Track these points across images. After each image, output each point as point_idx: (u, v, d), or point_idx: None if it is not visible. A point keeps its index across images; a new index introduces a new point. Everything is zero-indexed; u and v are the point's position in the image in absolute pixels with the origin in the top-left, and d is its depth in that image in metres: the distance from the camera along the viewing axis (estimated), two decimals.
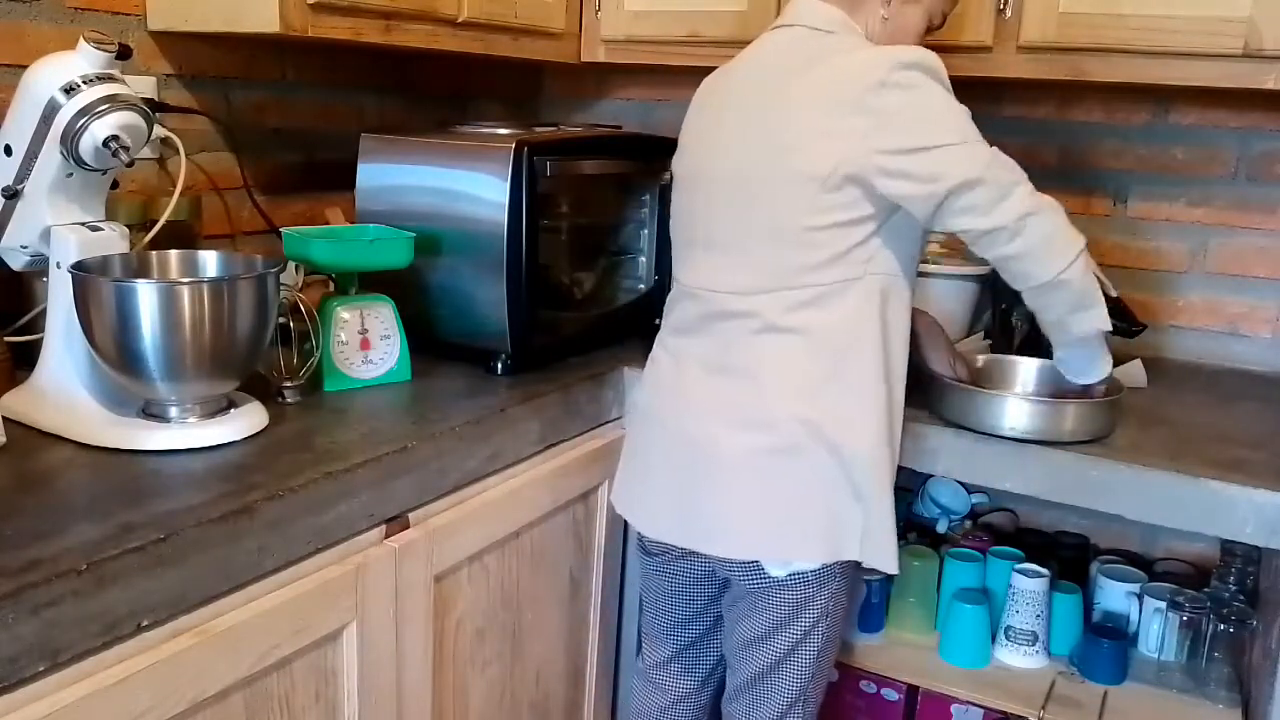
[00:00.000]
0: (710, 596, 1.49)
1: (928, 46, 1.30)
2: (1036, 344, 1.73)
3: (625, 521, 1.75)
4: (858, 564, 1.34)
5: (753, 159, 1.30)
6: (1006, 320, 1.86)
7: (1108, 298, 1.84)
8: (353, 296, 1.50)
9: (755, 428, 1.30)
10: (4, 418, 1.21)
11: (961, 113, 1.26)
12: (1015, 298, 1.84)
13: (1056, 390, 1.49)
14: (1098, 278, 1.35)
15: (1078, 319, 1.34)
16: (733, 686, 1.46)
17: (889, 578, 1.78)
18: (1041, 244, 1.27)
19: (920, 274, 1.88)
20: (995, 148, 1.25)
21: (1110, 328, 1.36)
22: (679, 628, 1.53)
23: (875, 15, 1.36)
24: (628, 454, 1.49)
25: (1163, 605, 1.71)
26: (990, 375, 1.58)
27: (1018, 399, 1.43)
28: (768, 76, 1.33)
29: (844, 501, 1.30)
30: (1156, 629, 1.72)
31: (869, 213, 1.26)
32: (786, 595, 1.34)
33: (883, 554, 1.32)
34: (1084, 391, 1.44)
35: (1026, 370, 1.59)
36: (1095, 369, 1.43)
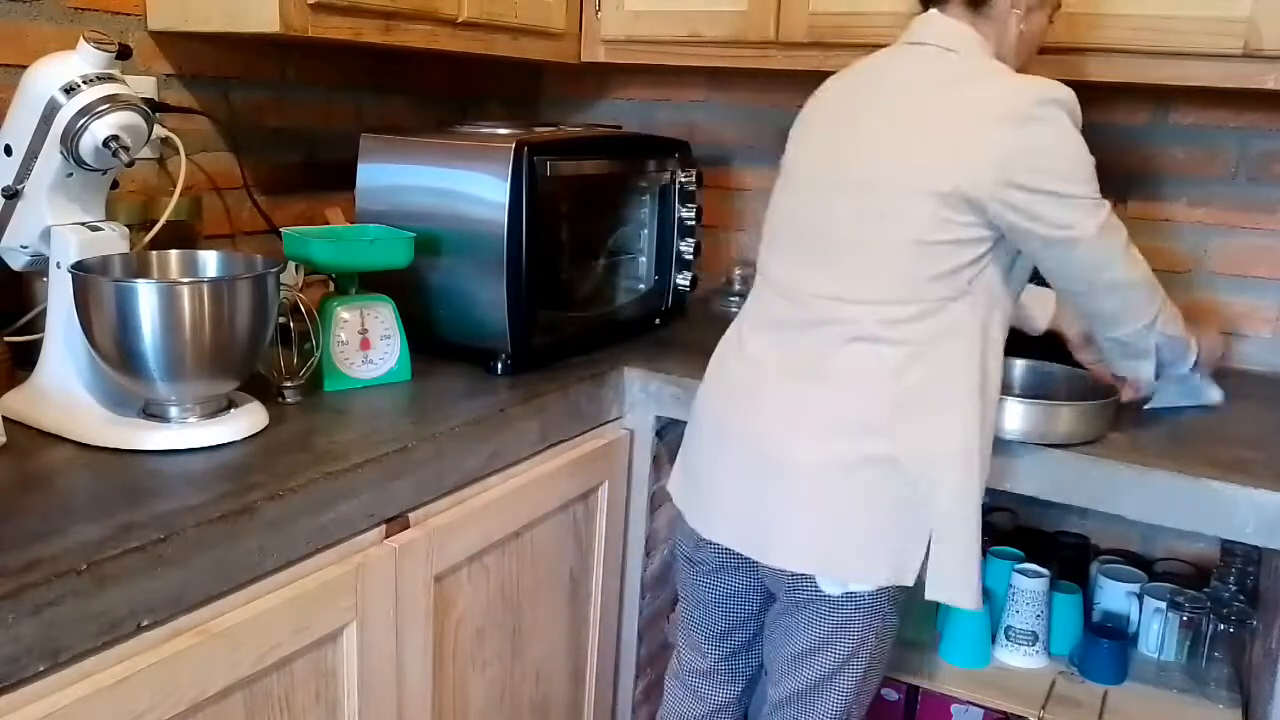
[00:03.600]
0: (756, 608, 1.47)
1: None
2: (1039, 343, 1.74)
3: (626, 523, 1.76)
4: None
5: (882, 171, 1.28)
6: None
7: None
8: (353, 296, 1.50)
9: (835, 438, 1.26)
10: (4, 417, 1.21)
11: (1091, 162, 1.26)
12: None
13: (1049, 391, 1.49)
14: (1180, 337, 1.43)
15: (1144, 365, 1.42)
16: (774, 700, 1.44)
17: None
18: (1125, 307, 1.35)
19: None
20: (1107, 204, 1.27)
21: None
22: (723, 638, 1.51)
23: (1011, 29, 1.35)
24: (692, 450, 1.45)
25: (1163, 605, 1.71)
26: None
27: (1013, 401, 1.42)
28: (905, 93, 1.31)
29: (917, 527, 1.26)
30: (1156, 629, 1.72)
31: (983, 235, 1.25)
32: (838, 614, 1.31)
33: (962, 590, 1.27)
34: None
35: (1020, 371, 1.58)
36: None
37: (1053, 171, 1.22)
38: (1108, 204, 1.26)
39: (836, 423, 1.27)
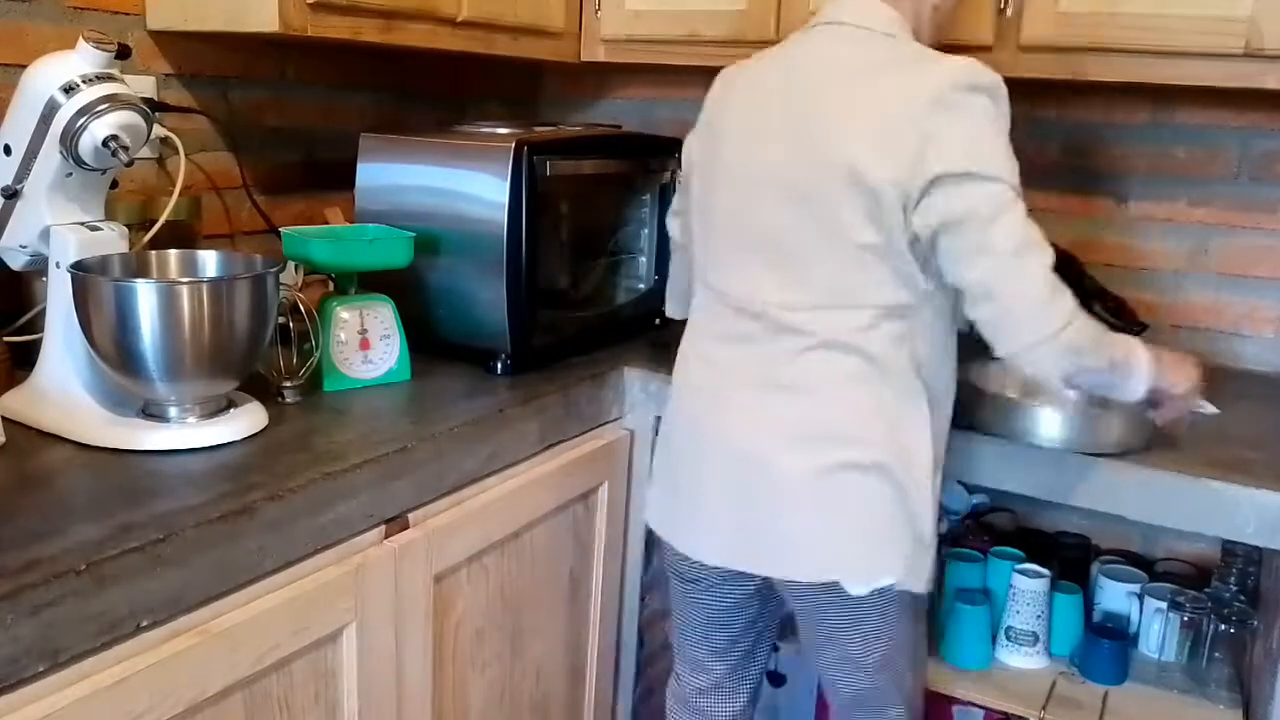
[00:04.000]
0: (755, 613, 1.46)
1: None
2: None
3: (626, 523, 1.75)
4: None
5: (808, 167, 1.22)
6: None
7: (1111, 296, 1.85)
8: (352, 296, 1.50)
9: (813, 446, 1.25)
10: (3, 417, 1.21)
11: (1009, 151, 1.19)
12: None
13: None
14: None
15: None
16: (837, 706, 1.44)
17: None
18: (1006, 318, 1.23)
19: None
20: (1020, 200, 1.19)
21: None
22: (727, 650, 1.49)
23: (925, 7, 1.30)
24: (663, 473, 1.41)
25: (1163, 605, 1.71)
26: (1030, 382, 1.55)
27: (1053, 409, 1.40)
28: (823, 79, 1.25)
29: (911, 526, 1.26)
30: (1157, 629, 1.72)
31: (923, 235, 1.19)
32: (871, 610, 1.30)
33: (921, 576, 1.29)
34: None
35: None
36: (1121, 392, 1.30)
37: (968, 156, 1.16)
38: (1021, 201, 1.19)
39: (813, 429, 1.26)
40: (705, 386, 1.35)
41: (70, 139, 1.19)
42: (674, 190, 1.91)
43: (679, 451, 1.38)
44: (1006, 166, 1.18)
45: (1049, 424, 1.39)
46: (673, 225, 1.57)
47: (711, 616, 1.46)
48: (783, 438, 1.26)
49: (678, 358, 1.41)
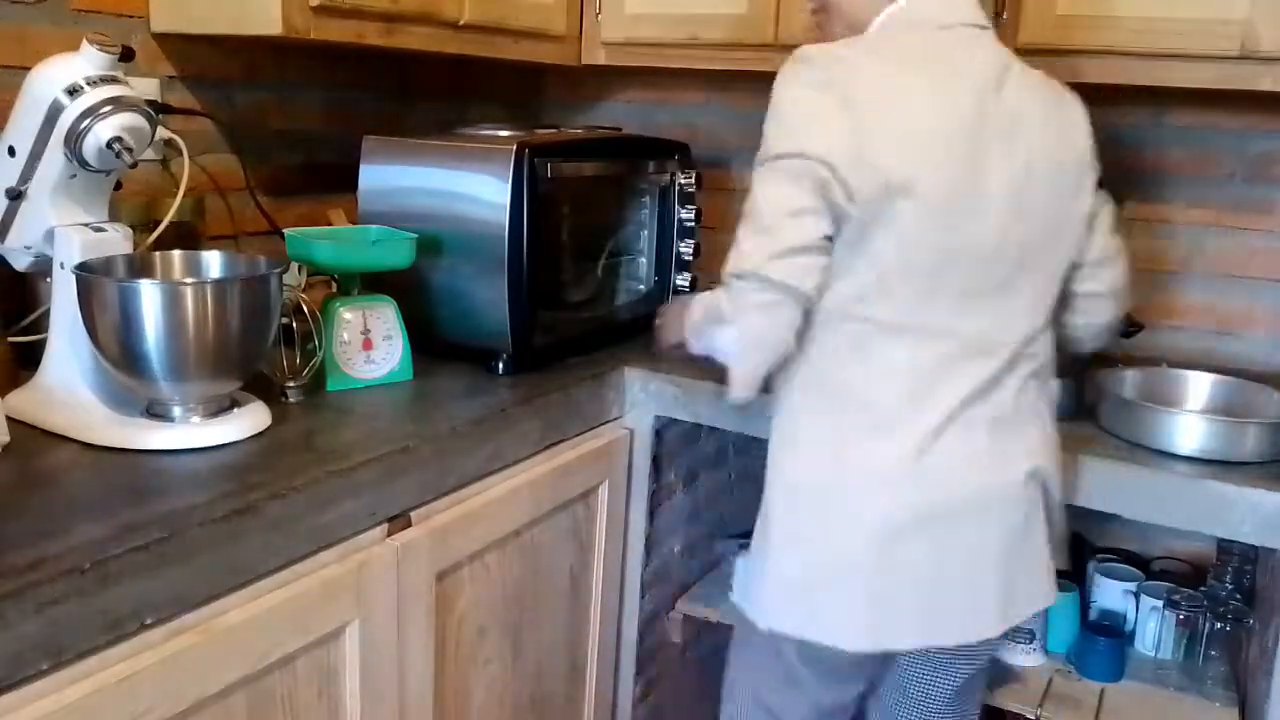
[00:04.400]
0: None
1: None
2: None
3: (626, 522, 1.76)
4: None
5: (1048, 194, 1.22)
6: None
7: None
8: (355, 297, 1.51)
9: (1028, 481, 1.25)
10: (8, 417, 1.22)
11: None
12: None
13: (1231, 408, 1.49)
14: None
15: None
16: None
17: None
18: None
19: None
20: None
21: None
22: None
23: None
24: (913, 567, 1.22)
25: (1160, 604, 1.72)
26: (1161, 390, 1.57)
27: (1193, 416, 1.41)
28: (1007, 94, 1.20)
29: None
30: (1153, 627, 1.72)
31: None
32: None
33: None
34: None
35: (1197, 385, 1.59)
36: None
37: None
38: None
39: (1036, 459, 1.27)
40: (959, 454, 1.21)
41: (74, 141, 1.20)
42: (675, 191, 1.92)
43: (937, 539, 1.22)
44: None
45: (1189, 434, 1.39)
46: (805, 269, 1.16)
47: (843, 701, 1.38)
48: (1016, 477, 1.25)
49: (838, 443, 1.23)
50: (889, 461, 1.19)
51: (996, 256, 1.19)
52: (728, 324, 1.19)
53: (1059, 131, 1.23)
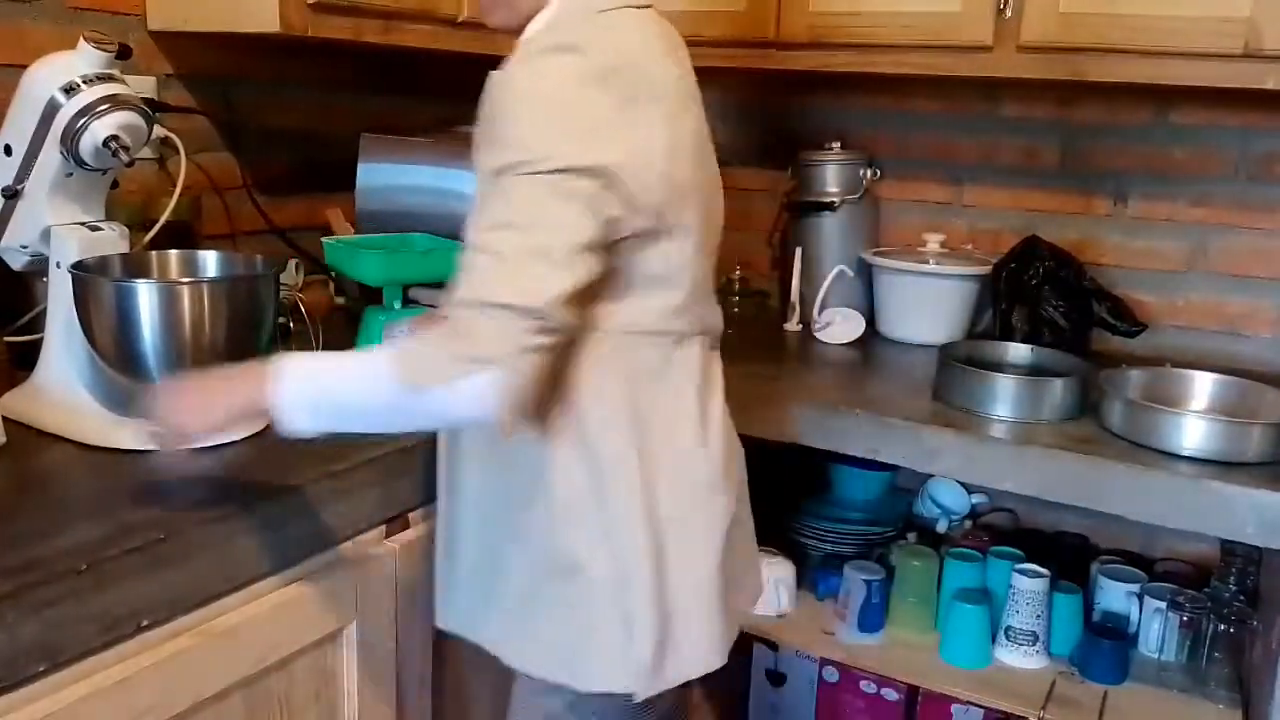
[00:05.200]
0: None
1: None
2: (1037, 343, 1.74)
3: None
4: None
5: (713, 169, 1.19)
6: (1007, 320, 1.86)
7: (1106, 295, 1.86)
8: (400, 310, 1.44)
9: None
10: (4, 418, 1.21)
11: None
12: (1015, 298, 1.85)
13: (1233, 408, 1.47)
14: None
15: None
16: None
17: (889, 578, 1.78)
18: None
19: (918, 273, 1.90)
20: None
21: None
22: None
23: None
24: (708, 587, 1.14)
25: (1163, 605, 1.71)
26: (1164, 391, 1.56)
27: (1197, 417, 1.40)
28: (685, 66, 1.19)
29: None
30: (1157, 629, 1.72)
31: None
32: None
33: None
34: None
35: (1201, 386, 1.57)
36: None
37: None
38: None
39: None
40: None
41: (71, 139, 1.19)
42: None
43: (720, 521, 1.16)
44: None
45: (1193, 434, 1.38)
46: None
47: None
48: None
49: (675, 414, 1.13)
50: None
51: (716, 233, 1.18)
52: (483, 368, 0.92)
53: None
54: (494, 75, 1.02)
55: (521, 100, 0.99)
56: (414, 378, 0.94)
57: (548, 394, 1.06)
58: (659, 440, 1.10)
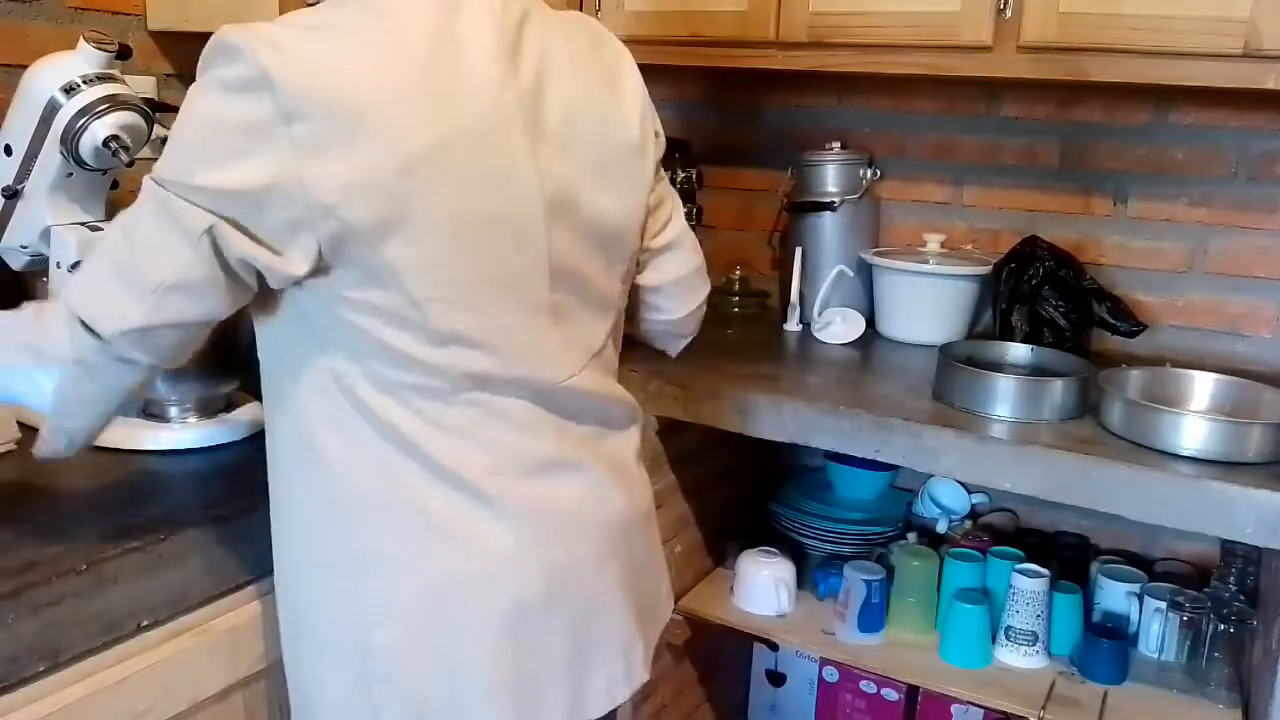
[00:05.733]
0: None
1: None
2: (1037, 343, 1.74)
3: None
4: None
5: None
6: (1007, 320, 1.86)
7: (1106, 295, 1.86)
8: None
9: None
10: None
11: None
12: (1015, 298, 1.85)
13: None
14: None
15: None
16: None
17: (889, 578, 1.78)
18: None
19: (918, 273, 1.90)
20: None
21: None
22: None
23: None
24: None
25: (1163, 605, 1.71)
26: (1164, 390, 1.55)
27: (1197, 417, 1.40)
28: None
29: None
30: (1157, 629, 1.72)
31: None
32: None
33: None
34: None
35: (1201, 386, 1.57)
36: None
37: None
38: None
39: None
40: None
41: (71, 139, 1.19)
42: (676, 189, 1.91)
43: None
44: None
45: (1193, 434, 1.37)
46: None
47: None
48: None
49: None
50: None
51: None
52: (38, 361, 0.92)
53: None
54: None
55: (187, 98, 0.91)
56: None
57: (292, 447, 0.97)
58: (427, 508, 0.96)
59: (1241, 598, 1.70)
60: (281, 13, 1.44)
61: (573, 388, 1.03)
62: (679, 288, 1.24)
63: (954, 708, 1.78)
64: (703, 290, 1.29)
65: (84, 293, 0.91)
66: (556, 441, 1.02)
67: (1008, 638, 1.69)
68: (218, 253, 0.87)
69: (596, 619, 1.06)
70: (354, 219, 0.86)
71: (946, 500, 1.99)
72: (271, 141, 0.85)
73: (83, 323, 0.89)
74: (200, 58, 0.91)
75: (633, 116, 1.07)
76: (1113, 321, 1.85)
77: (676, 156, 1.90)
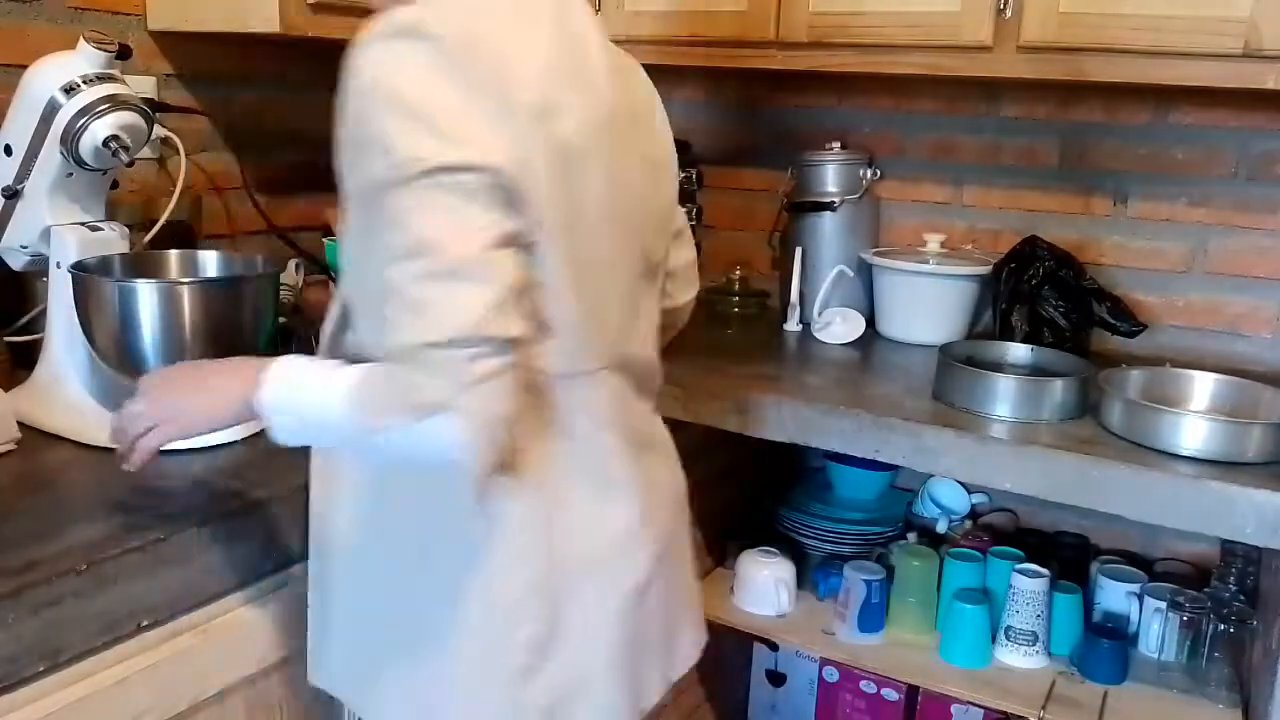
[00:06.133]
0: None
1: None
2: (1037, 343, 1.74)
3: None
4: None
5: None
6: (1007, 320, 1.86)
7: (1106, 295, 1.86)
8: None
9: None
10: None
11: None
12: (1015, 298, 1.85)
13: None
14: None
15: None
16: None
17: (889, 578, 1.78)
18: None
19: (918, 273, 1.90)
20: None
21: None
22: None
23: None
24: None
25: (1163, 605, 1.71)
26: (1165, 390, 1.55)
27: (1197, 417, 1.40)
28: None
29: None
30: (1157, 629, 1.72)
31: None
32: None
33: None
34: None
35: (1201, 386, 1.57)
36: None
37: None
38: None
39: None
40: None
41: (71, 139, 1.19)
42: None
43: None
44: None
45: (1193, 434, 1.37)
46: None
47: None
48: None
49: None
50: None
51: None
52: (434, 412, 0.83)
53: None
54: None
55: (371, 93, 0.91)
56: (371, 413, 0.86)
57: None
58: (556, 498, 0.98)
59: (1241, 598, 1.70)
60: (282, 14, 1.44)
61: (652, 362, 1.11)
62: (683, 275, 1.27)
63: (954, 708, 1.78)
64: (697, 282, 1.33)
65: None
66: (648, 418, 1.11)
67: (1008, 638, 1.69)
68: None
69: (679, 582, 1.14)
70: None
71: (946, 500, 1.99)
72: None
73: None
74: None
75: (663, 114, 1.13)
76: (1113, 321, 1.85)
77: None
